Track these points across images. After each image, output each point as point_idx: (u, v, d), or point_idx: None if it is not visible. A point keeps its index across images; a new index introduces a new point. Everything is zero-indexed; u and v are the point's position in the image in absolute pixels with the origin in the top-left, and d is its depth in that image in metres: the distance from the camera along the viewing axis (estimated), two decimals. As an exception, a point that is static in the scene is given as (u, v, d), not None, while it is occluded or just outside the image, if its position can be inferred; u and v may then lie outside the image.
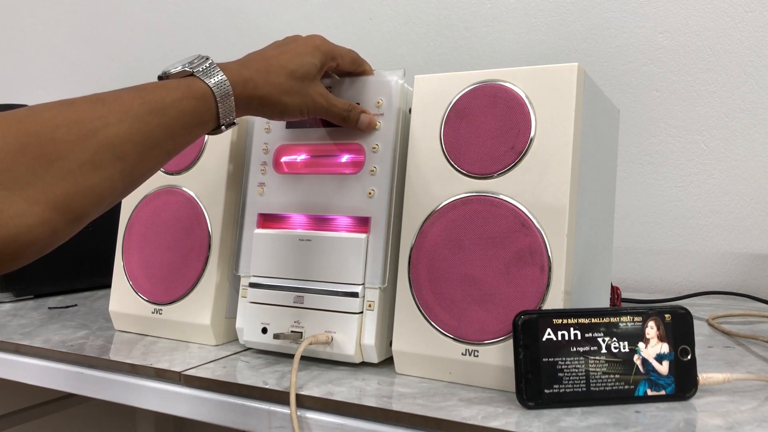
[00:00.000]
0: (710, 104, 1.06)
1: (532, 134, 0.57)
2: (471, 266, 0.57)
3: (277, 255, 0.66)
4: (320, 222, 0.65)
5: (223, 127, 0.54)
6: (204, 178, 0.72)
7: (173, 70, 0.52)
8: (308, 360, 0.64)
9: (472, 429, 0.48)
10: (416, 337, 0.59)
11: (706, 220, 1.07)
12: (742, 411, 0.50)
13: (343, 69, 0.64)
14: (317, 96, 0.60)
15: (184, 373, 0.60)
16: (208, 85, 0.51)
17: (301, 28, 1.35)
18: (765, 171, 1.03)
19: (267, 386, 0.56)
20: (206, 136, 0.73)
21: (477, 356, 0.56)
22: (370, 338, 0.61)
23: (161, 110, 0.47)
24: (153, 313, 0.73)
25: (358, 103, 0.64)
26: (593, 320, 0.52)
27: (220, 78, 0.52)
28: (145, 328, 0.74)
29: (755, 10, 1.02)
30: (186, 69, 0.52)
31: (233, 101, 0.53)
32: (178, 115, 0.49)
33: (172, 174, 0.75)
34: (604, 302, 0.74)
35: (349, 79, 0.66)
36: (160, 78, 0.53)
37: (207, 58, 0.53)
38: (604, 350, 0.52)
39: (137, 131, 0.46)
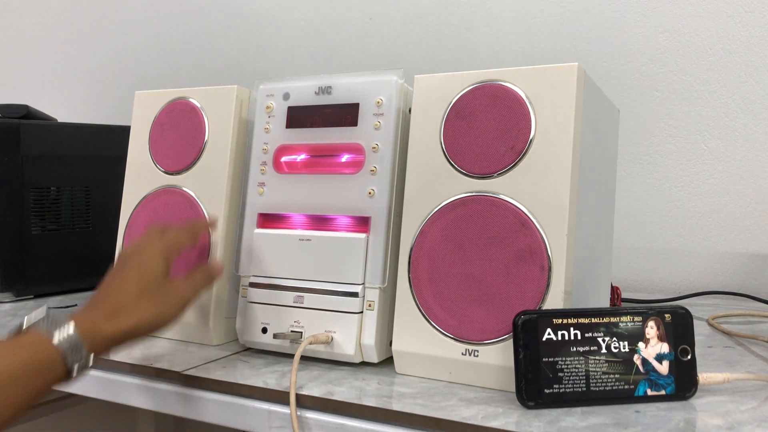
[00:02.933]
0: (710, 104, 1.06)
1: (532, 134, 0.57)
2: (471, 266, 0.57)
3: (277, 255, 0.66)
4: (320, 222, 0.65)
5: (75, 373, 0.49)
6: (204, 178, 0.72)
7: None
8: (308, 360, 0.64)
9: (472, 429, 0.48)
10: (416, 337, 0.59)
11: (706, 220, 1.07)
12: (742, 411, 0.50)
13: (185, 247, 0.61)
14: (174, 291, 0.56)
15: (184, 373, 0.60)
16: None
17: (301, 28, 1.35)
18: (765, 171, 1.03)
19: (267, 386, 0.56)
20: (206, 136, 0.73)
21: (477, 356, 0.56)
22: (370, 338, 0.61)
23: None
24: (153, 313, 0.73)
25: (358, 104, 0.64)
26: (593, 320, 0.52)
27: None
28: (145, 328, 0.74)
29: (755, 10, 1.02)
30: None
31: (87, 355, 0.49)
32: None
33: (172, 174, 0.75)
34: (604, 302, 0.74)
35: (349, 80, 0.66)
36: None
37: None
38: (604, 350, 0.52)
39: None
